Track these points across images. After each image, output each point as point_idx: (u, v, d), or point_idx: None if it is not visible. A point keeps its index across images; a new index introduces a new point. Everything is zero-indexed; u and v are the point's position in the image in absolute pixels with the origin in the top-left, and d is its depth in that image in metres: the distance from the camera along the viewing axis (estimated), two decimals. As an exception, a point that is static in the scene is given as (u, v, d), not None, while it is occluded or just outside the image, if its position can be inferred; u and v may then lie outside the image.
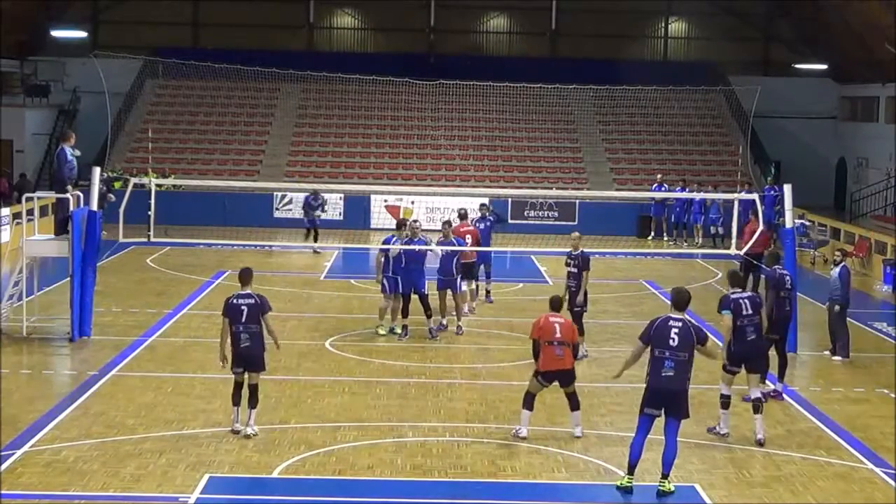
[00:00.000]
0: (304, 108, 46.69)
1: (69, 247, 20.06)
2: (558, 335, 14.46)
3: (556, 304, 15.07)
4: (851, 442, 14.75)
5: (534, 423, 15.03)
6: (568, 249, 19.82)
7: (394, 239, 20.98)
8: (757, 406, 14.78)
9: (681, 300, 13.12)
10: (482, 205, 25.98)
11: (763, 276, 20.62)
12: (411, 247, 20.48)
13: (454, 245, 21.09)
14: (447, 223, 21.81)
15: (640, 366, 19.12)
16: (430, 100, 42.71)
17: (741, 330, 14.85)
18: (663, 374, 12.75)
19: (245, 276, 14.62)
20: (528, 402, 14.75)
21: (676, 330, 12.81)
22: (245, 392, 14.48)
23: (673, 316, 12.96)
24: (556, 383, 14.71)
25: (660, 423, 12.88)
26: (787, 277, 17.56)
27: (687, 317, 13.03)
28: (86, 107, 44.39)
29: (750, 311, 14.93)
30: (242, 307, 14.34)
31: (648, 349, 12.99)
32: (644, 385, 12.99)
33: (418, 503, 12.53)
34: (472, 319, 22.28)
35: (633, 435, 12.90)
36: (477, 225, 23.99)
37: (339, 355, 19.37)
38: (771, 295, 17.14)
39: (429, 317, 20.67)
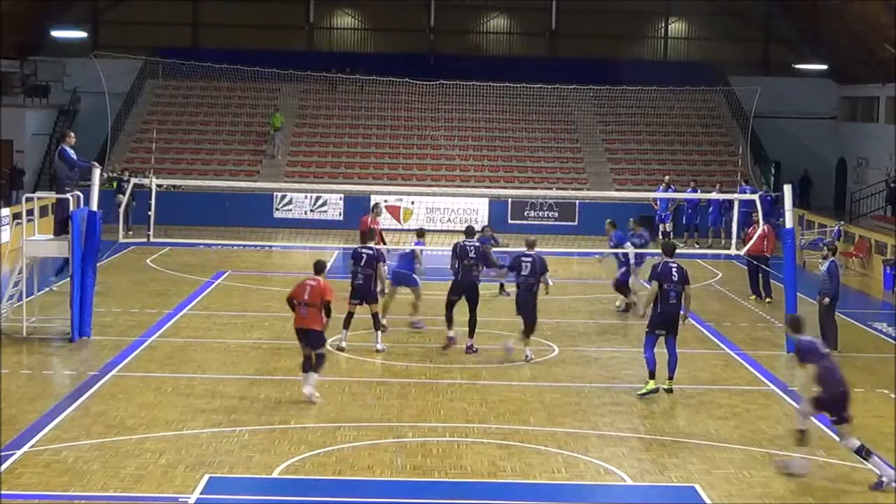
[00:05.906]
0: (304, 108, 46.69)
1: (69, 247, 20.06)
2: (305, 297, 16.03)
3: (316, 268, 16.62)
4: (851, 442, 14.73)
5: (534, 423, 15.06)
6: (569, 250, 20.01)
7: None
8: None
9: (670, 249, 17.31)
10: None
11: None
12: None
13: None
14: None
15: (639, 366, 19.25)
16: (430, 100, 42.67)
17: None
18: (670, 302, 16.61)
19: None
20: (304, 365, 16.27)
21: (675, 269, 16.74)
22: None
23: (668, 260, 16.79)
24: None
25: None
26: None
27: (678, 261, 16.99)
28: (86, 107, 44.36)
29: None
30: None
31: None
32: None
33: (418, 503, 12.53)
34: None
35: (643, 351, 16.78)
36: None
37: (339, 355, 19.36)
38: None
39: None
